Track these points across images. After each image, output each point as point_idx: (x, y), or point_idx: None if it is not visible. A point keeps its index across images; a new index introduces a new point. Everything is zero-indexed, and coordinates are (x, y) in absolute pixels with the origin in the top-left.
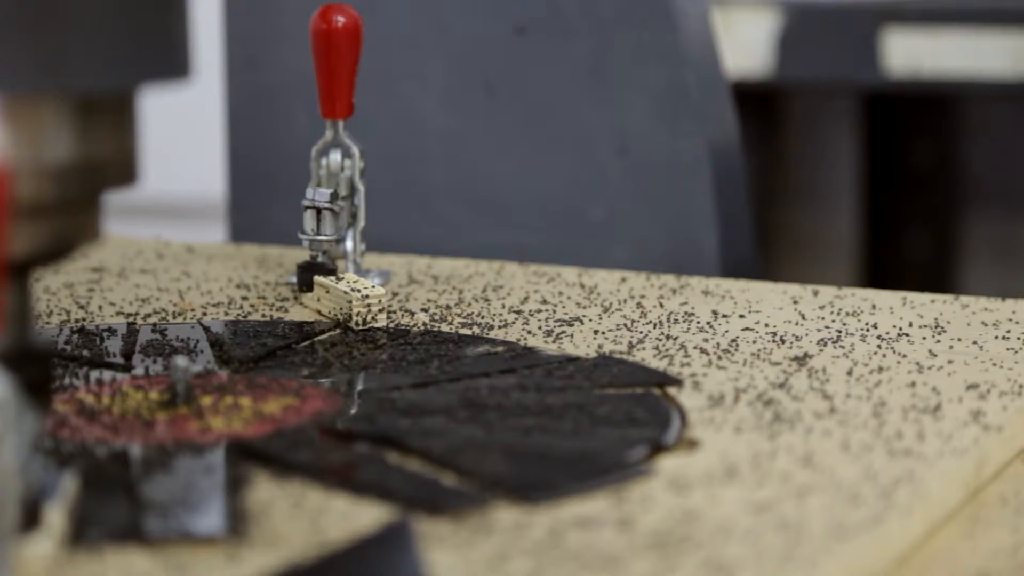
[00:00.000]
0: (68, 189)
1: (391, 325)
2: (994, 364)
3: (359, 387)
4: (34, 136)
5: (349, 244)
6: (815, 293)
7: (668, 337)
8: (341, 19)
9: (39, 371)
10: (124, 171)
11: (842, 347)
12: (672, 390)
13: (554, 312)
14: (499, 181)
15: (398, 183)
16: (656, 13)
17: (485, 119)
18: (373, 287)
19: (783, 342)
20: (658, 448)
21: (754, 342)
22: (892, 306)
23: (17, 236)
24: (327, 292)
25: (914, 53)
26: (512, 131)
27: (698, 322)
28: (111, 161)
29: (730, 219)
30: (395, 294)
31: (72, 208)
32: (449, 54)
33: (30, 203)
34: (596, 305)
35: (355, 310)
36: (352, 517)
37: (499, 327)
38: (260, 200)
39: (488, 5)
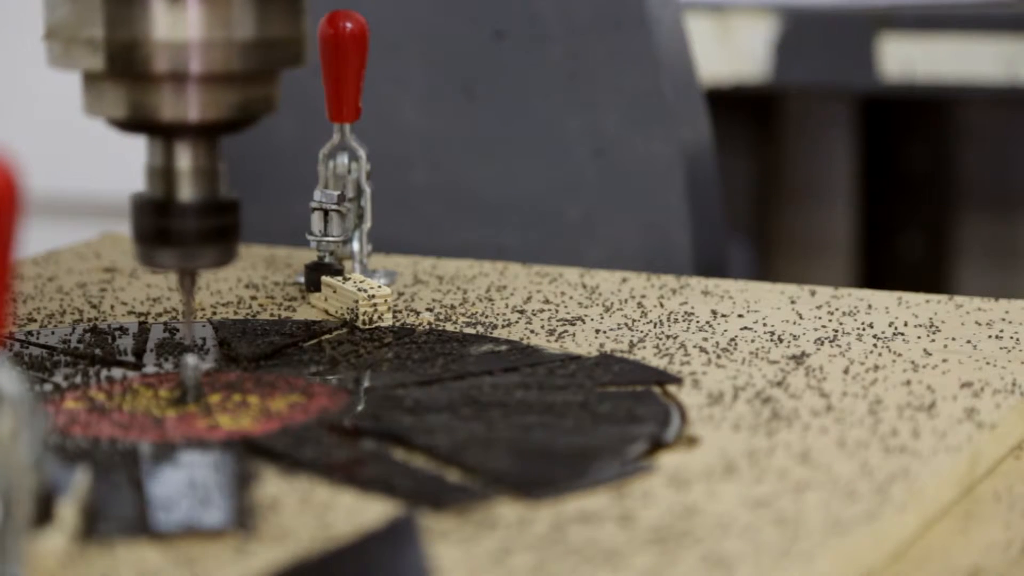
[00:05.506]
0: (251, 62)
1: (397, 324)
2: (987, 363)
3: (365, 385)
4: (225, 17)
5: (356, 245)
6: (812, 293)
7: (668, 336)
8: (349, 25)
9: (230, 219)
10: (295, 51)
11: (839, 346)
12: (672, 388)
13: (556, 312)
14: (478, 182)
15: (379, 184)
16: (630, 19)
17: (464, 122)
18: (379, 287)
19: (781, 341)
20: (658, 445)
21: (752, 341)
22: (887, 306)
23: (210, 103)
24: (334, 292)
25: (909, 58)
26: (491, 134)
27: (697, 321)
28: (285, 41)
29: (703, 220)
30: (401, 294)
31: (254, 79)
32: (429, 58)
33: (222, 74)
34: (597, 305)
35: (362, 309)
36: (358, 512)
37: (502, 326)
38: (247, 202)
39: (467, 10)
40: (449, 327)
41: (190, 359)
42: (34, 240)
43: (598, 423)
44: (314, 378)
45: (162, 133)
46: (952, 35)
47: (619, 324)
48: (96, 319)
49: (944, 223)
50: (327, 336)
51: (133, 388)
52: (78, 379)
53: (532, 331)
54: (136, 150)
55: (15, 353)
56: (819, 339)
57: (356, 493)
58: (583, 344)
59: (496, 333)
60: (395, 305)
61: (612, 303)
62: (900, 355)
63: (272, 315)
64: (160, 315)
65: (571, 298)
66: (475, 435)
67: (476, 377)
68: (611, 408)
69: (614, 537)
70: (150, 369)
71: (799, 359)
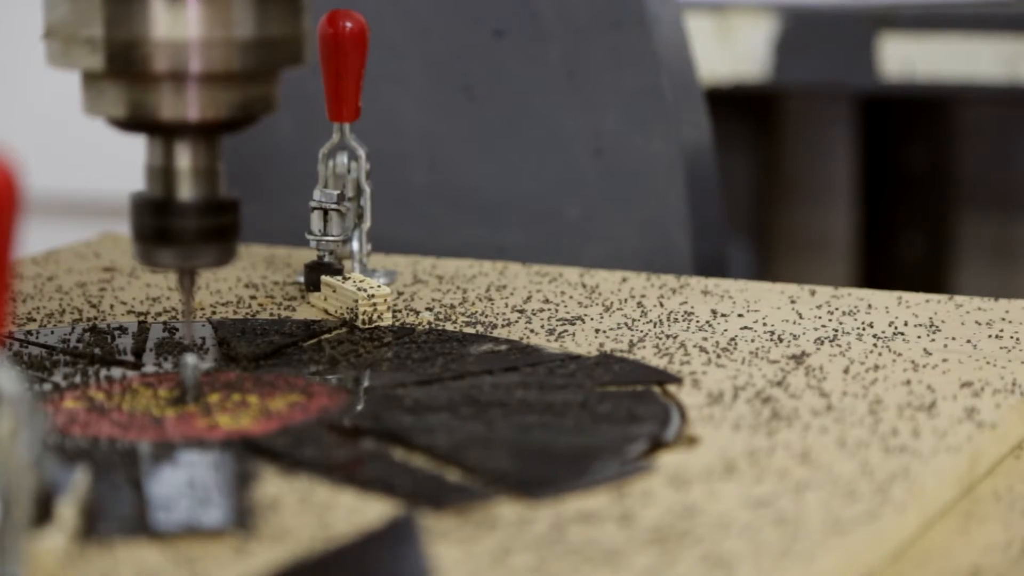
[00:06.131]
0: (251, 61)
1: (396, 324)
2: (987, 362)
3: (365, 384)
4: (224, 16)
5: (355, 244)
6: (812, 293)
7: (668, 336)
8: (349, 24)
9: (229, 219)
10: (295, 50)
11: (839, 346)
12: (672, 388)
13: (556, 311)
14: (478, 182)
15: (379, 184)
16: (629, 18)
17: (464, 121)
18: (379, 286)
19: (781, 341)
20: (658, 445)
21: (752, 341)
22: (887, 306)
23: (210, 103)
24: (334, 291)
25: (909, 58)
26: (490, 133)
27: (697, 321)
28: (284, 40)
29: (703, 220)
30: (400, 293)
31: (254, 79)
32: (428, 57)
33: (222, 73)
34: (597, 304)
35: (361, 309)
36: (358, 512)
37: (502, 326)
38: (247, 201)
39: (466, 9)
40: (449, 327)
41: (189, 359)
42: (33, 240)
43: (598, 423)
44: (314, 378)
45: (162, 132)
46: (952, 34)
47: (619, 324)
48: (95, 319)
49: (944, 223)
50: (327, 336)
51: (132, 388)
52: (77, 379)
53: (532, 331)
54: (136, 149)
55: (14, 352)
56: (819, 339)
57: (356, 493)
58: (583, 344)
59: (496, 333)
60: (395, 305)
61: (612, 303)
62: (900, 355)
63: (272, 315)
64: (159, 315)
65: (571, 298)
66: (475, 435)
67: (476, 377)
68: (611, 408)
69: (614, 537)
70: (149, 369)
71: (799, 359)
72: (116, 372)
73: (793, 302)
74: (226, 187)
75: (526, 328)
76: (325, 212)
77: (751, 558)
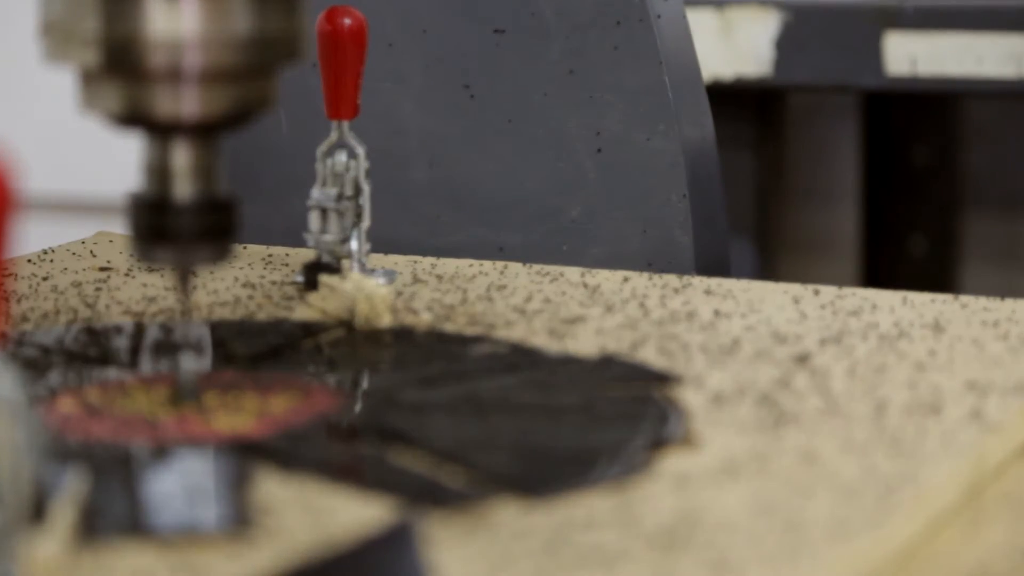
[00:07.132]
0: (248, 58)
1: (396, 324)
2: (994, 363)
3: (364, 385)
4: (222, 12)
5: (354, 244)
6: (816, 293)
7: (670, 336)
8: (348, 21)
9: (227, 217)
10: (293, 47)
11: (843, 346)
12: (674, 389)
13: (557, 311)
14: (478, 180)
15: (378, 183)
16: (631, 15)
17: (464, 119)
18: (378, 286)
19: (784, 341)
20: (660, 446)
21: (756, 341)
22: (892, 306)
23: (207, 100)
24: (332, 291)
25: (914, 55)
26: (491, 131)
27: (700, 321)
28: (282, 37)
29: (705, 219)
30: (400, 293)
31: (252, 76)
32: (428, 55)
33: (219, 70)
34: (599, 304)
35: (360, 309)
36: (357, 514)
37: (502, 326)
38: (244, 200)
39: (466, 7)
40: (449, 327)
41: (186, 359)
42: (29, 239)
43: (599, 424)
44: (312, 378)
45: (158, 130)
46: (957, 32)
47: (620, 324)
48: (91, 319)
49: (949, 221)
50: (325, 336)
51: (128, 389)
52: (73, 380)
53: (533, 331)
54: (132, 148)
55: (9, 353)
56: (823, 339)
57: (355, 495)
58: (584, 344)
59: (496, 333)
60: (394, 305)
61: (613, 303)
62: (905, 355)
63: (270, 315)
64: (156, 314)
65: (572, 298)
66: (475, 435)
67: (476, 377)
68: (612, 409)
69: (615, 540)
70: (146, 369)
71: (803, 359)
72: (112, 373)
73: (797, 302)
74: (224, 185)
75: (527, 328)
76: (323, 211)
77: (755, 562)
